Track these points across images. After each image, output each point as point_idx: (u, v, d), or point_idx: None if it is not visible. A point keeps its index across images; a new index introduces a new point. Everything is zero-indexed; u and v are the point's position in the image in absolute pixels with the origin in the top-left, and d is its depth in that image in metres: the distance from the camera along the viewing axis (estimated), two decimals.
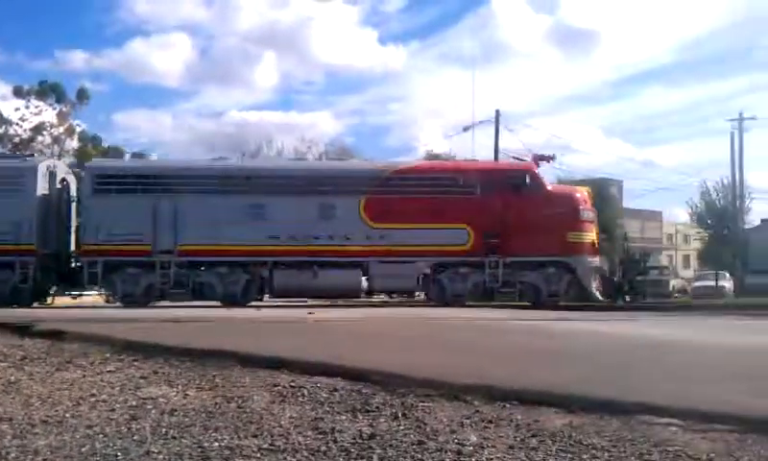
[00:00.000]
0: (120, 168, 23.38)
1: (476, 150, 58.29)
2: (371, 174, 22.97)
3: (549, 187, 23.41)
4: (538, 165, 23.34)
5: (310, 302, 22.09)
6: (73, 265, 22.37)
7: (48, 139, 56.46)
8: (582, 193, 23.64)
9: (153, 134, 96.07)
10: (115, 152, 54.13)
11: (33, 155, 22.90)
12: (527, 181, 22.14)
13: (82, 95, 58.09)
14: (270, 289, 22.10)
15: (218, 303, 20.92)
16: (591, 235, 22.51)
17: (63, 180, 22.90)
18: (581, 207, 22.63)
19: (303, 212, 21.52)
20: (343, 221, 21.65)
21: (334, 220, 21.65)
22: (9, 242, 20.80)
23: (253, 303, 20.87)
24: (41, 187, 21.47)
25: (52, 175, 22.22)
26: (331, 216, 21.68)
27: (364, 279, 21.72)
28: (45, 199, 21.59)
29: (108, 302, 22.48)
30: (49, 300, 22.16)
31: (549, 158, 24.08)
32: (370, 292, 22.82)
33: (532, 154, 23.77)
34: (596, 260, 22.88)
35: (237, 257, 21.41)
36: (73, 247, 22.37)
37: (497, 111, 42.95)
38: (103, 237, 20.91)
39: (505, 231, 21.44)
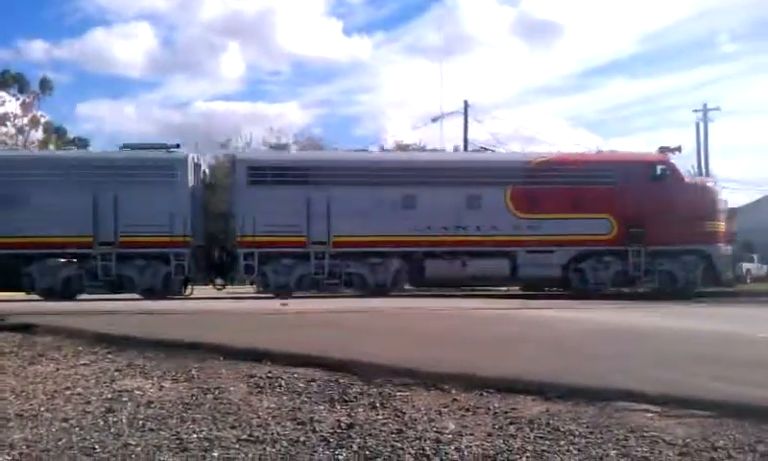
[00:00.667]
0: (274, 160, 23.09)
1: (444, 140, 58.42)
2: (516, 165, 23.17)
3: (685, 178, 23.97)
4: (667, 156, 23.75)
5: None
6: (217, 255, 22.67)
7: (12, 130, 55.62)
8: (714, 184, 24.31)
9: (117, 125, 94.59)
10: (81, 143, 53.52)
11: (178, 145, 22.72)
12: (666, 171, 22.68)
13: (45, 85, 57.22)
14: (421, 279, 22.46)
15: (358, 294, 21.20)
16: (723, 224, 22.99)
17: (204, 171, 23.13)
18: (716, 198, 23.18)
19: (452, 203, 21.76)
20: (490, 211, 21.91)
21: (481, 211, 21.90)
22: (164, 234, 20.76)
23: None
24: (191, 179, 21.51)
25: (196, 166, 22.31)
26: (478, 207, 21.93)
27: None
28: (194, 190, 21.67)
29: (258, 292, 22.37)
30: (187, 291, 22.15)
31: (676, 150, 24.48)
32: (516, 280, 23.31)
33: (659, 146, 24.10)
34: (729, 249, 23.37)
35: (389, 248, 21.66)
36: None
37: (466, 102, 43.04)
38: (259, 229, 21.03)
39: (646, 221, 21.84)
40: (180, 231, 20.75)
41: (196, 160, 22.52)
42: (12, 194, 20.55)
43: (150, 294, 20.19)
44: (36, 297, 20.02)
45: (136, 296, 20.11)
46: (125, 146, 22.75)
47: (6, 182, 20.77)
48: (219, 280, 22.95)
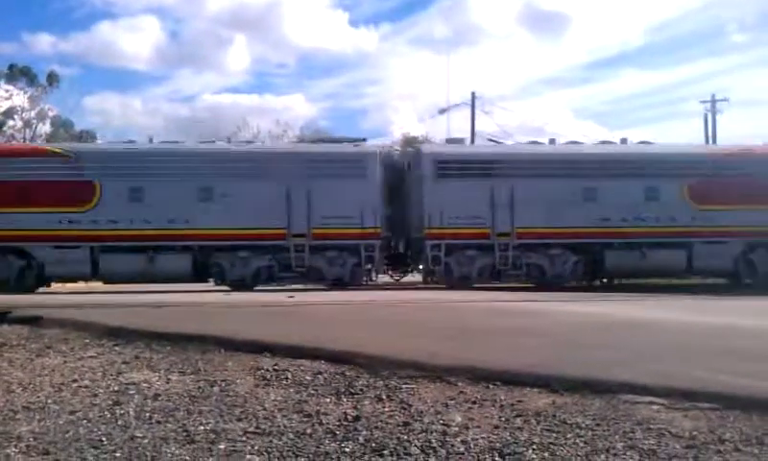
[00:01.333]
0: (460, 154, 23.55)
1: (452, 132, 58.23)
2: (694, 158, 23.32)
3: None
4: None
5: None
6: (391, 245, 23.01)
7: (19, 124, 55.77)
8: None
9: (124, 119, 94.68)
10: (88, 136, 53.63)
11: (365, 139, 23.38)
12: None
13: (52, 79, 57.33)
14: (599, 270, 22.72)
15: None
16: None
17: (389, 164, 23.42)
18: None
19: (631, 195, 21.97)
20: (667, 203, 22.08)
21: (659, 202, 22.10)
22: (355, 226, 21.19)
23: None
24: (379, 173, 21.86)
25: (383, 159, 22.77)
26: (657, 198, 22.13)
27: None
28: (381, 184, 21.98)
29: (434, 283, 22.76)
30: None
31: None
32: (692, 273, 23.24)
33: None
34: None
35: (570, 239, 21.91)
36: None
37: (473, 94, 43.00)
38: (446, 221, 21.36)
39: None
40: (370, 224, 21.27)
41: (383, 154, 23.09)
42: (207, 186, 21.06)
43: (338, 284, 20.86)
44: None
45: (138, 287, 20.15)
46: (312, 141, 23.62)
47: (200, 175, 21.23)
48: (392, 271, 23.71)
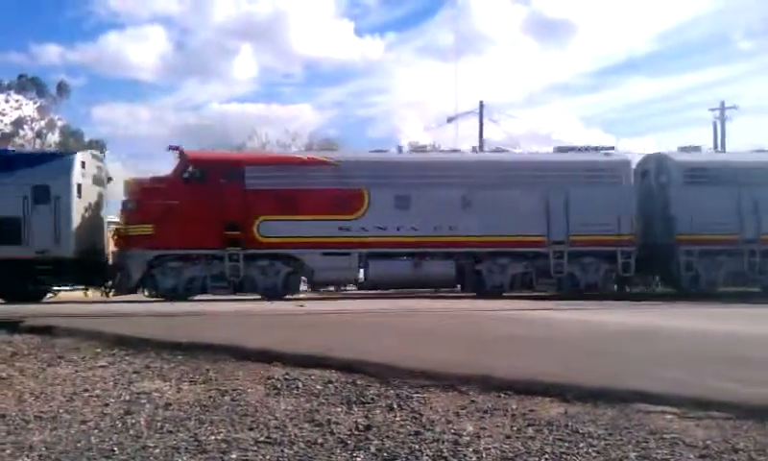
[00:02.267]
0: (706, 162, 23.99)
1: (459, 141, 58.27)
2: None
3: None
4: None
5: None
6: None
7: (30, 134, 56.07)
8: None
9: (132, 129, 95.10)
10: (98, 146, 53.84)
11: (612, 148, 23.98)
12: None
13: (62, 89, 57.71)
14: None
15: None
16: None
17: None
18: None
19: None
20: None
21: None
22: (611, 233, 21.52)
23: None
24: (633, 181, 22.36)
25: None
26: None
27: None
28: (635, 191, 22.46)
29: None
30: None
31: None
32: None
33: None
34: None
35: None
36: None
37: (481, 102, 42.97)
38: (696, 227, 21.67)
39: None
40: (626, 231, 21.56)
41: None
42: (470, 194, 21.47)
43: (591, 289, 21.25)
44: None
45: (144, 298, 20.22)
46: (558, 149, 24.05)
47: (463, 184, 21.61)
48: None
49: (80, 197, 21.24)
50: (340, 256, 21.12)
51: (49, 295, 22.01)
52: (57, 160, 22.21)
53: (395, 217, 21.19)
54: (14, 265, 20.42)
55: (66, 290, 22.92)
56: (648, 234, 22.36)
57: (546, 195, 21.44)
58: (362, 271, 21.47)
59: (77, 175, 21.36)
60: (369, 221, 21.20)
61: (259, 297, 20.38)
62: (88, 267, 21.41)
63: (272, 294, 20.42)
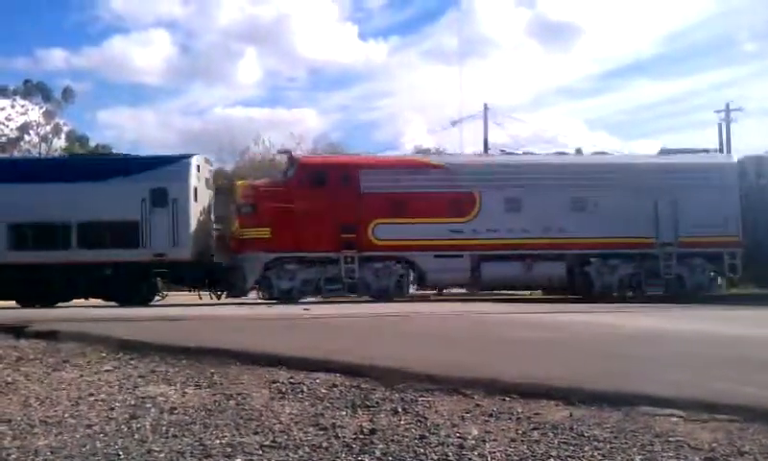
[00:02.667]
0: None
1: (464, 144, 58.27)
2: None
3: None
4: None
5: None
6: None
7: (35, 139, 56.22)
8: None
9: (137, 133, 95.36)
10: (104, 150, 53.96)
11: (716, 149, 24.75)
12: None
13: (67, 94, 57.90)
14: None
15: None
16: None
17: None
18: None
19: None
20: None
21: None
22: (718, 234, 21.95)
23: None
24: (737, 182, 22.74)
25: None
26: None
27: None
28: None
29: None
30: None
31: None
32: None
33: None
34: None
35: None
36: None
37: (485, 105, 43.04)
38: None
39: None
40: (733, 231, 22.06)
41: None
42: (579, 197, 22.13)
43: (698, 290, 21.78)
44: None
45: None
46: (664, 151, 24.62)
47: (573, 186, 22.18)
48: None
49: (195, 200, 21.86)
50: (452, 258, 21.65)
51: (157, 298, 22.58)
52: (174, 164, 22.61)
53: (505, 219, 21.78)
54: (132, 268, 21.11)
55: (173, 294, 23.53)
56: (748, 235, 22.51)
57: (655, 197, 21.84)
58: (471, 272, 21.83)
59: (193, 178, 21.94)
60: (480, 223, 21.80)
61: (370, 298, 21.28)
62: (203, 270, 22.09)
63: (383, 295, 21.02)
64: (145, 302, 21.00)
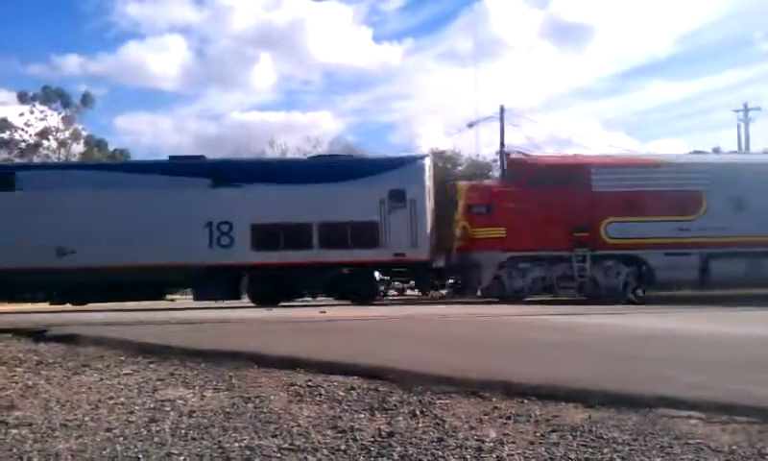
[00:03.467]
0: None
1: (480, 146, 58.17)
2: None
3: None
4: None
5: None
6: None
7: (54, 144, 56.71)
8: None
9: (154, 138, 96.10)
10: (122, 155, 54.35)
11: None
12: None
13: (86, 99, 58.40)
14: None
15: None
16: None
17: None
18: None
19: None
20: None
21: None
22: None
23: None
24: None
25: None
26: None
27: None
28: None
29: None
30: None
31: None
32: None
33: None
34: None
35: None
36: None
37: (502, 107, 42.91)
38: None
39: None
40: None
41: None
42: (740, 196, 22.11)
43: None
44: None
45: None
46: None
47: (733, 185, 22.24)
48: None
49: (429, 200, 22.38)
50: (681, 257, 21.77)
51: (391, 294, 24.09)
52: (410, 164, 23.21)
53: (732, 217, 21.73)
54: (371, 268, 22.11)
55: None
56: None
57: None
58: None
59: (428, 179, 22.56)
60: (707, 221, 21.91)
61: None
62: (436, 270, 22.86)
63: (611, 295, 21.34)
64: (371, 299, 21.70)
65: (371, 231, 21.78)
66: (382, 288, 24.24)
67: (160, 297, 23.66)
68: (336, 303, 22.35)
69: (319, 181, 22.05)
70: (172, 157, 23.83)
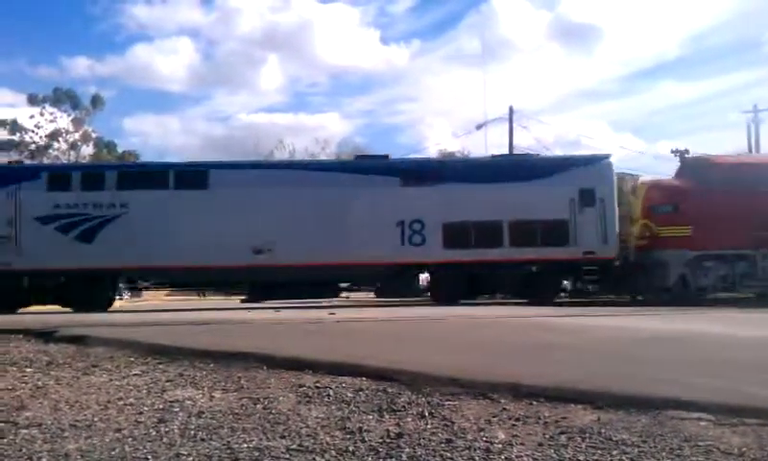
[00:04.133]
0: None
1: (488, 147, 58.17)
2: None
3: None
4: None
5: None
6: None
7: (64, 146, 56.95)
8: None
9: (162, 139, 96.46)
10: (131, 157, 54.55)
11: None
12: None
13: (96, 101, 58.63)
14: None
15: None
16: None
17: None
18: None
19: None
20: None
21: None
22: None
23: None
24: None
25: None
26: None
27: None
28: None
29: None
30: None
31: None
32: None
33: None
34: None
35: None
36: None
37: (511, 108, 42.87)
38: None
39: None
40: None
41: None
42: None
43: None
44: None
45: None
46: None
47: None
48: None
49: (615, 198, 22.82)
50: None
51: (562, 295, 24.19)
52: (597, 163, 23.48)
53: None
54: (559, 266, 22.67)
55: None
56: None
57: None
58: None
59: (615, 178, 23.10)
60: None
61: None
62: (621, 268, 23.11)
63: None
64: (552, 299, 21.86)
65: (560, 230, 22.17)
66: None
67: (335, 295, 24.36)
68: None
69: (508, 179, 22.51)
70: (358, 157, 25.19)
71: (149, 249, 21.27)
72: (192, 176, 22.58)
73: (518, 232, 22.16)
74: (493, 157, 25.19)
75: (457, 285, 22.09)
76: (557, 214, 22.14)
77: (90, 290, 21.42)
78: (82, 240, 21.47)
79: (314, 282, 22.05)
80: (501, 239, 22.15)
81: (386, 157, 24.32)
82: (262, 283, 22.29)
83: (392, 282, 22.87)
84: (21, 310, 20.71)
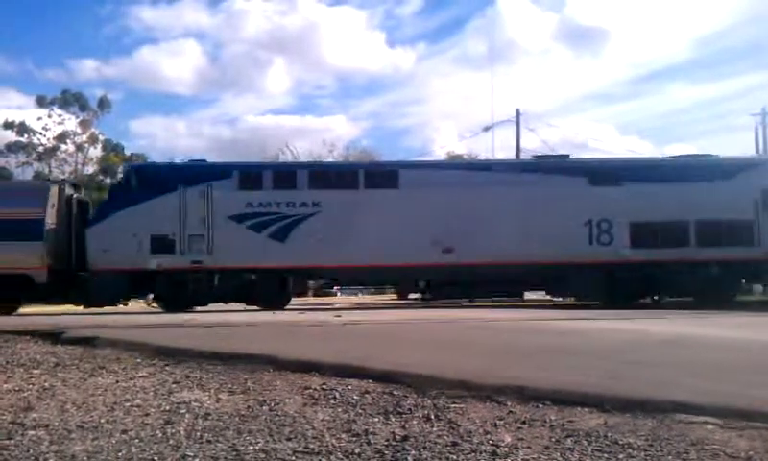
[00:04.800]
0: None
1: (495, 150, 58.12)
2: None
3: None
4: None
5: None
6: None
7: (71, 148, 57.11)
8: None
9: (169, 141, 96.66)
10: (138, 159, 54.65)
11: None
12: None
13: (103, 104, 58.76)
14: None
15: None
16: None
17: None
18: None
19: None
20: None
21: None
22: None
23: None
24: None
25: None
26: None
27: None
28: None
29: None
30: None
31: None
32: None
33: None
34: None
35: None
36: None
37: (518, 111, 42.79)
38: None
39: None
40: None
41: None
42: None
43: None
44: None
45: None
46: None
47: None
48: None
49: None
50: None
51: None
52: None
53: None
54: (743, 267, 22.69)
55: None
56: None
57: None
58: None
59: None
60: None
61: None
62: None
63: None
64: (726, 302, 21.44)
65: (744, 230, 22.16)
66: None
67: (520, 294, 24.55)
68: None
69: (693, 180, 22.46)
70: (538, 156, 25.08)
71: (340, 248, 21.43)
72: (382, 176, 22.80)
73: (704, 233, 22.14)
74: (678, 156, 25.03)
75: (639, 286, 22.20)
76: (741, 214, 22.13)
77: (278, 288, 21.66)
78: (275, 239, 21.65)
79: (498, 281, 22.13)
80: (688, 239, 22.17)
81: (566, 156, 24.45)
82: (447, 282, 22.37)
83: (578, 282, 22.38)
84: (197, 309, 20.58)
